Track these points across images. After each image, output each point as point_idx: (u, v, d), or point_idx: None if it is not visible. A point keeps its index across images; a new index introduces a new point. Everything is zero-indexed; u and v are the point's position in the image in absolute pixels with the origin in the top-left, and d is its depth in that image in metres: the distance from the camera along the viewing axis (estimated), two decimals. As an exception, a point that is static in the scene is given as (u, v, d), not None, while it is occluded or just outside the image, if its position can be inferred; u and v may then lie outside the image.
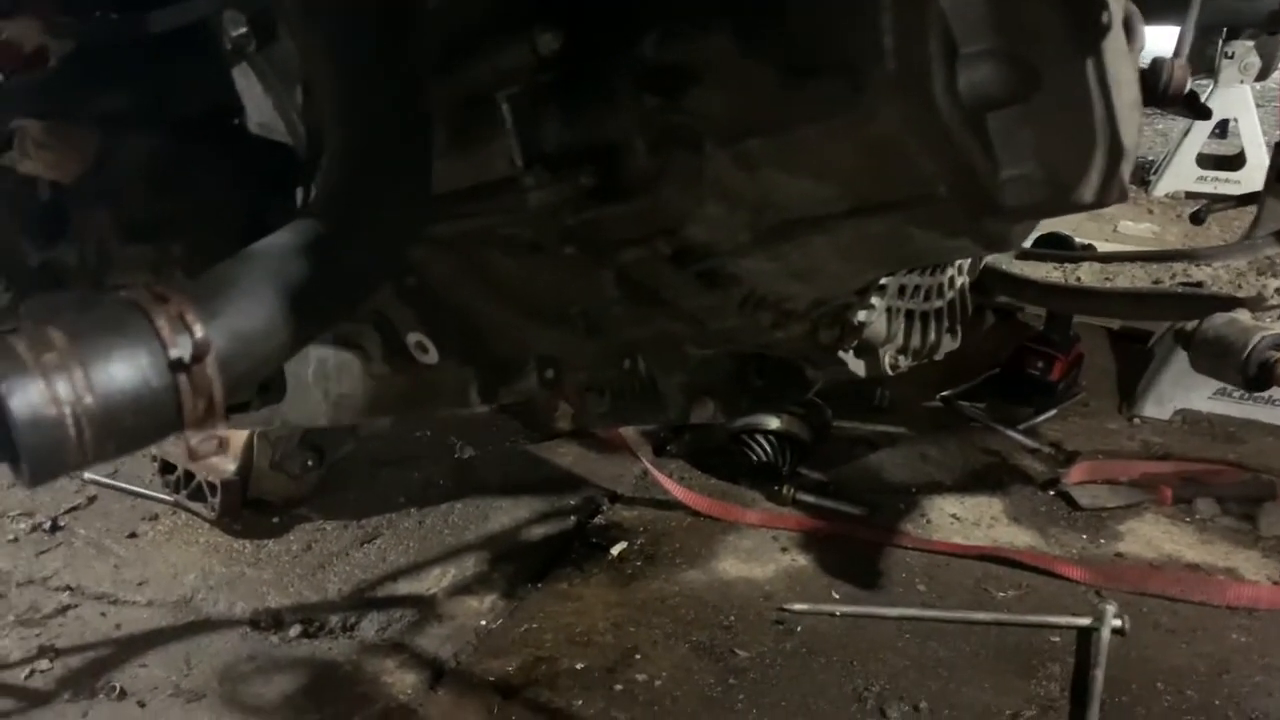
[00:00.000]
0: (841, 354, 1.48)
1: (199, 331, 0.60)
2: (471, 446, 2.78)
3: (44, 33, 1.10)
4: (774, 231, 1.11)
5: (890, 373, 1.55)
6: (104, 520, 2.46)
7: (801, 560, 2.27)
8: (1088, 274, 1.91)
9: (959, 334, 1.70)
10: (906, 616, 2.06)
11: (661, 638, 2.00)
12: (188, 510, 2.44)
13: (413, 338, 1.30)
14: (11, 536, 2.39)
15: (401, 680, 1.90)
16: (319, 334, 0.75)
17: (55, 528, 2.42)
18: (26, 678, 1.91)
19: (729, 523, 2.42)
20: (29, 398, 0.55)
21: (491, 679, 1.89)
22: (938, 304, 1.56)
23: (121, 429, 0.58)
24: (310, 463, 2.44)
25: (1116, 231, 5.30)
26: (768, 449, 2.54)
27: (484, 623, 2.05)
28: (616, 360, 1.46)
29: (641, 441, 2.76)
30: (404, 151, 0.79)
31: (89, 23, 1.03)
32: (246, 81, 1.14)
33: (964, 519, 2.45)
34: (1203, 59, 6.54)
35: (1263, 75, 6.09)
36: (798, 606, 2.08)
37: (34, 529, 2.42)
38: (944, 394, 3.12)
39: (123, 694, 1.86)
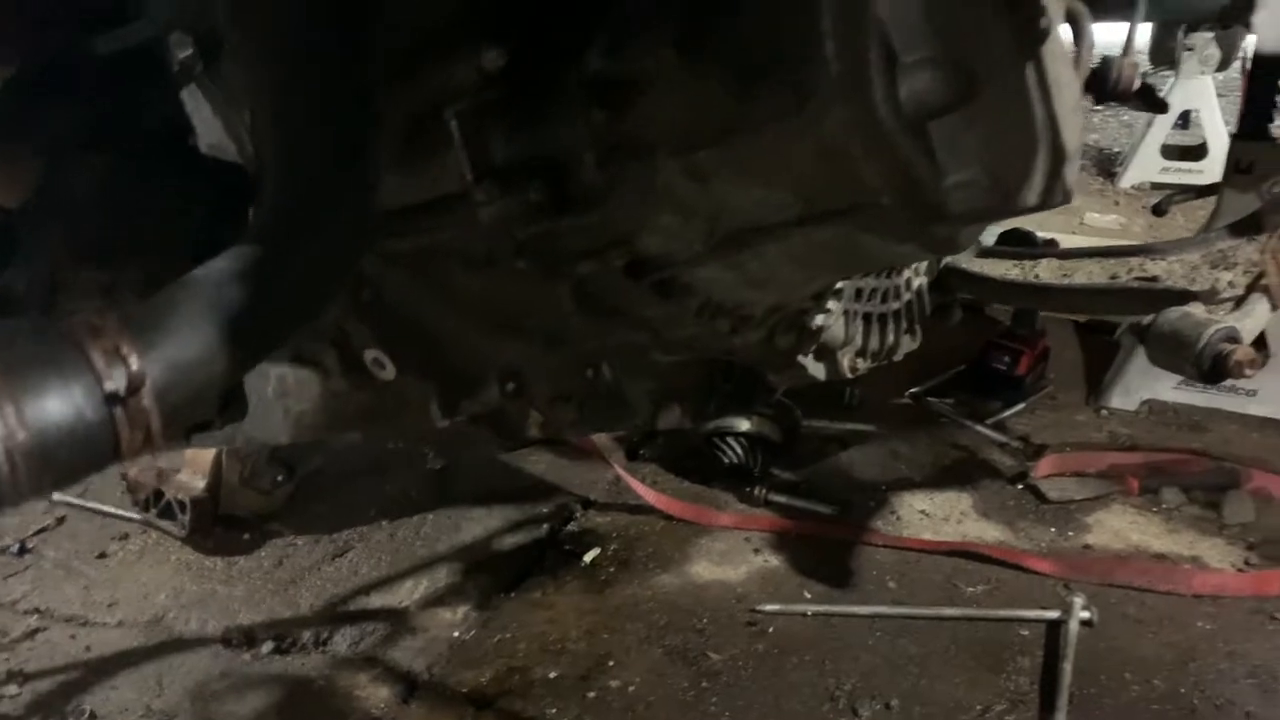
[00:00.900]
0: (800, 358, 1.49)
1: (134, 363, 0.60)
2: (443, 456, 2.78)
3: (-13, 57, 1.09)
4: (727, 240, 1.12)
5: (850, 375, 1.56)
6: (73, 541, 2.44)
7: (774, 561, 2.29)
8: (1047, 270, 1.93)
9: (918, 334, 1.72)
10: (878, 614, 2.07)
11: (635, 643, 2.01)
12: (158, 529, 2.42)
13: (370, 354, 1.30)
14: (-21, 561, 2.38)
15: (375, 695, 1.90)
16: (259, 360, 0.75)
17: (23, 550, 2.41)
18: (-5, 703, 1.90)
19: (702, 526, 2.43)
20: (-40, 435, 0.55)
21: (465, 691, 1.89)
22: (895, 306, 1.58)
23: (56, 463, 0.58)
24: (280, 477, 2.43)
25: (1083, 224, 5.35)
26: (739, 451, 2.55)
27: (457, 634, 2.05)
28: (579, 370, 1.46)
29: (614, 447, 2.77)
30: (342, 174, 0.79)
31: (32, 46, 1.02)
32: (195, 103, 1.14)
33: (934, 515, 2.47)
34: (1164, 51, 6.61)
35: (1223, 66, 6.16)
36: (770, 607, 2.09)
37: (1, 552, 2.40)
38: (913, 390, 3.14)
39: (93, 717, 1.85)
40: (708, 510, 2.47)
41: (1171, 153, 6.04)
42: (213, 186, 1.20)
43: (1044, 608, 2.07)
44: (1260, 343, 2.33)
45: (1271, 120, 2.83)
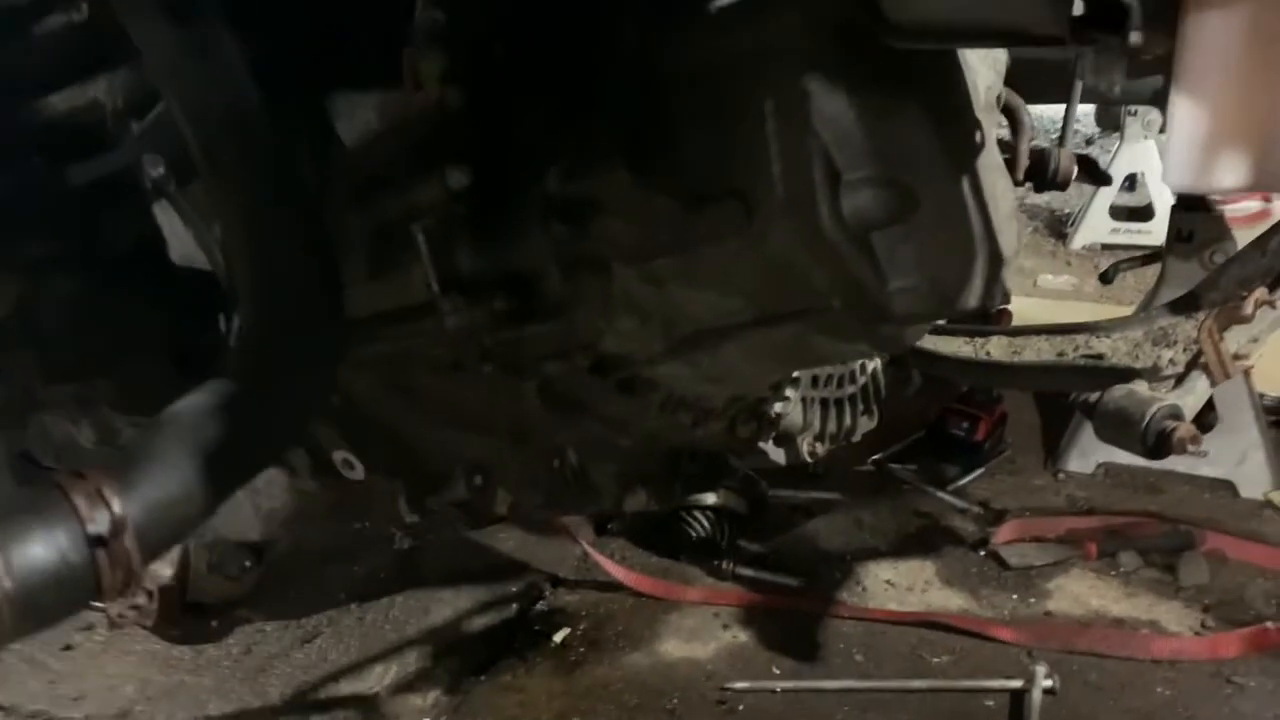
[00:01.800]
0: (761, 445, 1.53)
1: (116, 507, 0.63)
2: (411, 537, 2.78)
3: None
4: (686, 341, 1.16)
5: (809, 459, 1.61)
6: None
7: (742, 636, 2.31)
8: (997, 347, 1.99)
9: (875, 414, 1.77)
10: (845, 688, 2.10)
11: (606, 725, 2.01)
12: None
13: (339, 455, 1.33)
14: (-60, 657, 2.34)
15: (346, 785, 1.89)
16: (239, 488, 0.78)
17: (-15, 644, 2.37)
18: (-43, 807, 1.87)
19: (671, 601, 2.45)
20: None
21: (437, 779, 1.89)
22: (850, 390, 1.63)
23: (41, 607, 0.60)
24: (248, 563, 2.42)
25: (1036, 285, 5.47)
26: (706, 525, 2.58)
27: (427, 720, 2.05)
28: (545, 460, 1.49)
29: (582, 522, 2.78)
30: (313, 311, 0.83)
31: (4, 176, 1.06)
32: (167, 217, 1.18)
33: (898, 584, 2.50)
34: (1109, 116, 6.82)
35: (1165, 129, 6.35)
36: (739, 685, 2.11)
37: (-37, 647, 2.37)
38: (876, 457, 3.19)
39: (59, 818, 1.82)
40: (676, 586, 2.49)
41: (1120, 214, 6.21)
42: (185, 294, 1.23)
43: (1007, 677, 2.10)
44: (1209, 406, 2.41)
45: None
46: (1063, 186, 1.60)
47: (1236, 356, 1.71)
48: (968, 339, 2.07)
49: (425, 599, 2.49)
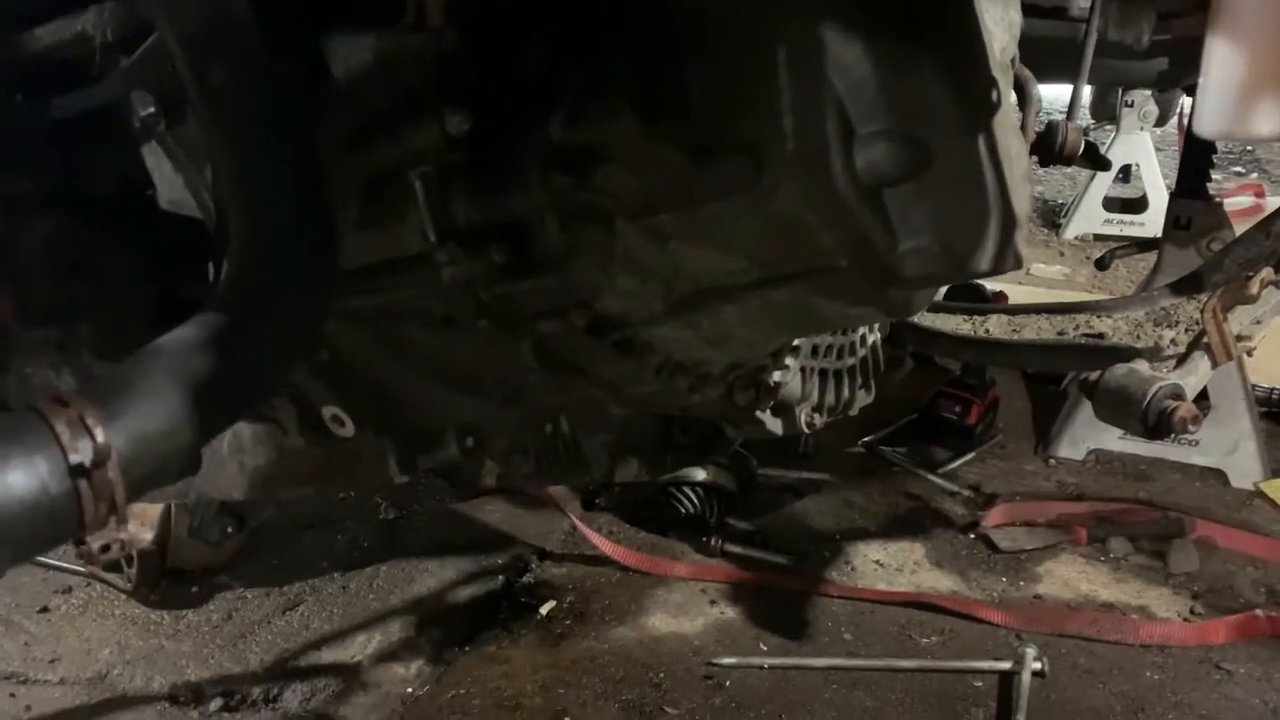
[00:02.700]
0: (759, 414, 1.51)
1: (100, 435, 0.60)
2: (397, 507, 2.75)
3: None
4: (685, 301, 1.13)
5: (806, 430, 1.58)
6: (13, 595, 2.38)
7: (730, 613, 2.29)
8: (996, 326, 1.97)
9: (873, 388, 1.74)
10: (833, 666, 2.08)
11: (591, 698, 1.99)
12: (103, 582, 2.36)
13: (328, 411, 1.29)
14: (-86, 616, 2.30)
15: (326, 753, 1.87)
16: (226, 427, 0.75)
17: (-39, 605, 2.34)
18: (-71, 767, 1.84)
19: (658, 577, 2.43)
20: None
21: (418, 748, 1.86)
22: (850, 362, 1.60)
23: (19, 537, 0.57)
24: (230, 529, 2.38)
25: (1030, 274, 5.46)
26: (695, 501, 2.56)
27: (410, 690, 2.02)
28: (538, 425, 1.46)
29: (570, 496, 2.76)
30: (306, 242, 0.80)
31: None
32: (156, 159, 1.14)
33: (887, 565, 2.49)
34: (1105, 107, 6.82)
35: (1161, 121, 6.37)
36: (726, 661, 2.09)
37: (-62, 607, 2.33)
38: (866, 439, 3.17)
39: (32, 780, 1.80)
40: (664, 561, 2.47)
41: (1113, 205, 6.21)
42: (172, 241, 1.19)
43: (997, 659, 2.09)
44: (1202, 395, 2.40)
45: (1208, 179, 2.93)
46: (1069, 161, 1.57)
47: (1239, 338, 1.70)
48: (967, 317, 2.05)
49: (410, 569, 2.46)
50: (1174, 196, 2.95)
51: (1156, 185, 6.02)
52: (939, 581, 2.42)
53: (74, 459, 0.59)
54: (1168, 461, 2.99)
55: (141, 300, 1.18)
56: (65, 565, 2.43)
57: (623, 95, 0.99)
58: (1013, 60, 1.16)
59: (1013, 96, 1.25)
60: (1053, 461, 3.07)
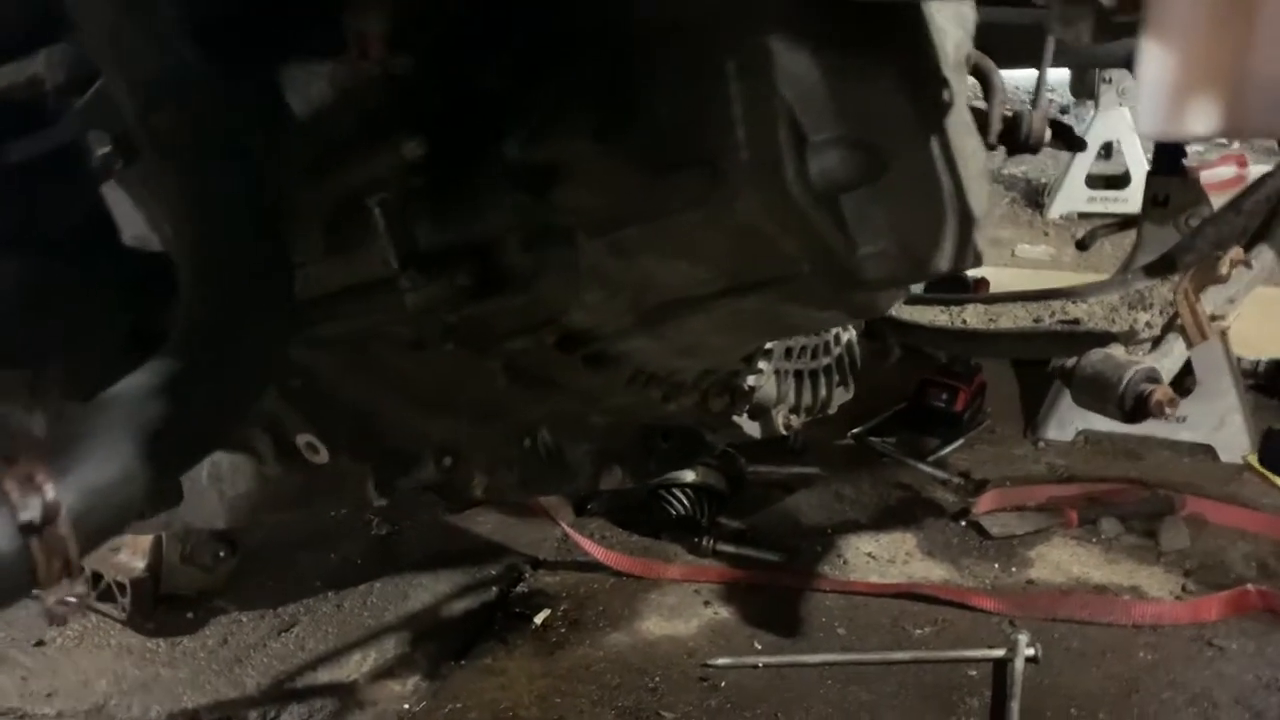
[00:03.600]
0: (735, 418, 1.51)
1: (49, 492, 0.60)
2: (389, 522, 2.75)
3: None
4: (654, 313, 1.14)
5: (785, 432, 1.59)
6: (7, 629, 2.37)
7: (724, 613, 2.29)
8: (974, 315, 1.98)
9: (852, 385, 1.75)
10: (828, 662, 2.09)
11: (588, 706, 2.00)
12: (97, 612, 2.37)
13: (302, 439, 1.29)
14: (-91, 655, 2.30)
15: (325, 774, 1.87)
16: (183, 471, 0.75)
17: (-44, 641, 2.33)
18: (-72, 807, 1.84)
19: (651, 580, 2.43)
20: None
21: (417, 764, 1.87)
22: (825, 361, 1.61)
23: (-29, 597, 0.57)
24: (222, 553, 2.40)
25: (1014, 256, 5.48)
26: (685, 503, 2.56)
27: (407, 706, 2.02)
28: (516, 439, 1.47)
29: (562, 503, 2.76)
30: (257, 282, 0.80)
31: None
32: (116, 197, 1.14)
33: (879, 557, 2.49)
34: (1083, 85, 6.82)
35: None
36: (721, 661, 2.09)
37: (-67, 645, 2.33)
38: (855, 431, 3.18)
39: (32, 816, 1.80)
40: (656, 564, 2.47)
41: (1096, 182, 6.22)
42: (139, 276, 1.19)
43: (990, 646, 2.10)
44: (1187, 370, 2.41)
45: (1184, 155, 2.93)
46: (1035, 150, 1.57)
47: (1213, 317, 1.70)
48: (944, 308, 2.06)
49: (403, 584, 2.46)
50: (1151, 174, 2.95)
51: (1138, 161, 6.02)
52: (931, 571, 2.43)
53: (23, 517, 0.59)
54: (1156, 439, 2.99)
55: (111, 337, 1.18)
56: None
57: (579, 113, 0.99)
58: (968, 56, 1.16)
59: (969, 93, 1.25)
60: (1042, 444, 3.07)
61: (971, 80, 1.24)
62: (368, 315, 1.14)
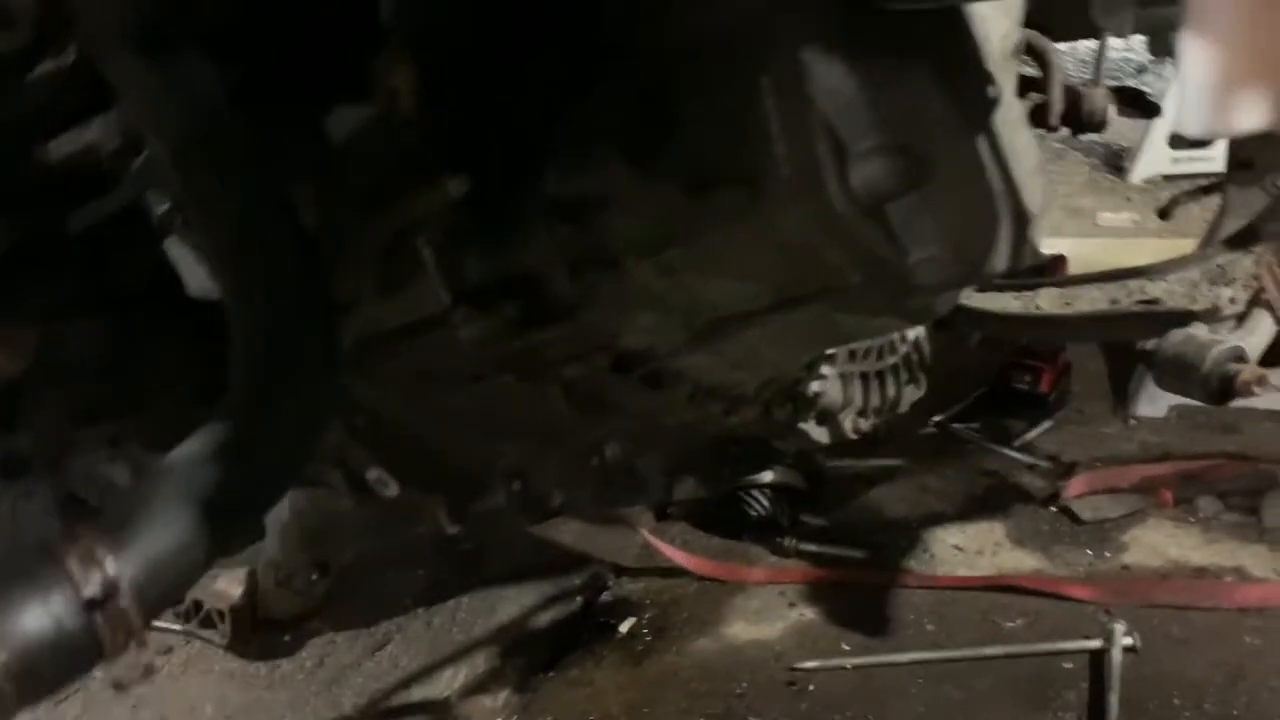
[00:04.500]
0: (802, 425, 1.50)
1: (110, 567, 0.62)
2: (474, 536, 2.79)
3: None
4: (707, 329, 1.13)
5: (854, 436, 1.56)
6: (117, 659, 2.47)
7: (809, 614, 2.27)
8: (1047, 300, 1.92)
9: (923, 382, 1.72)
10: (917, 660, 2.05)
11: (676, 714, 2.00)
12: (200, 639, 2.45)
13: (372, 474, 1.32)
14: (29, 688, 2.41)
15: (422, 791, 1.91)
16: (244, 533, 0.77)
17: (72, 673, 2.43)
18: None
19: (735, 583, 2.42)
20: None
21: (511, 779, 1.89)
22: (892, 360, 1.58)
23: (42, 676, 0.60)
24: (315, 577, 2.45)
25: (1097, 225, 5.31)
26: (765, 502, 2.55)
27: (499, 720, 2.06)
28: (583, 459, 1.47)
29: (641, 509, 2.77)
30: (307, 336, 0.81)
31: (11, 229, 1.06)
32: (179, 252, 1.17)
33: (967, 549, 2.44)
34: (1162, 43, 6.55)
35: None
36: (809, 664, 2.08)
37: (50, 677, 2.43)
38: (937, 418, 3.11)
39: (148, 841, 1.87)
40: (739, 567, 2.46)
41: (1180, 143, 5.96)
42: (206, 326, 1.22)
43: (1086, 637, 2.04)
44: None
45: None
46: (1099, 128, 1.53)
47: (1301, 289, 1.63)
48: (1016, 294, 2.00)
49: (490, 598, 2.49)
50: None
51: (1223, 116, 5.78)
52: (1022, 561, 2.37)
53: (86, 593, 0.61)
54: (1255, 410, 2.87)
55: (181, 386, 1.22)
56: (164, 625, 2.52)
57: (611, 139, 0.99)
58: (1018, 43, 1.13)
59: (1012, 85, 1.22)
60: (1133, 422, 2.97)
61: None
62: (425, 351, 1.16)
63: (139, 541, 0.65)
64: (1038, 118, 1.45)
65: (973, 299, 2.02)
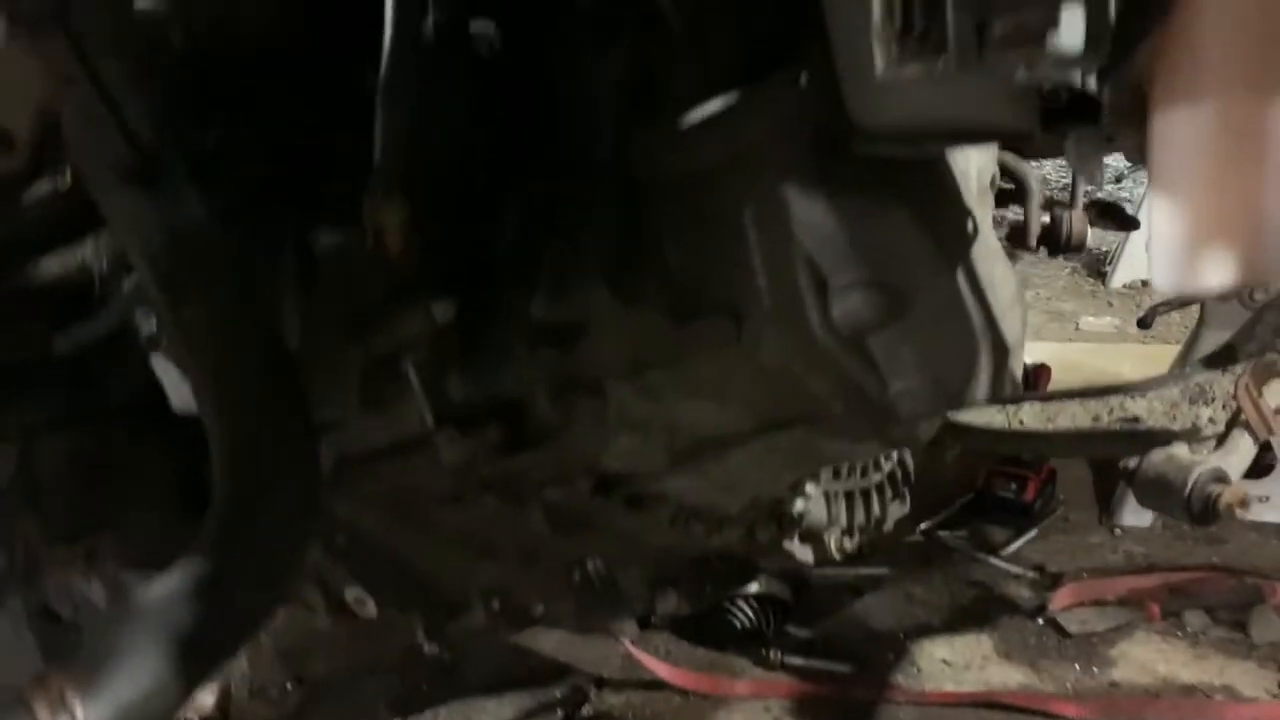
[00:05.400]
0: (786, 545, 1.49)
1: (79, 713, 0.61)
2: (453, 645, 2.74)
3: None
4: (689, 452, 1.14)
5: (838, 556, 1.55)
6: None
7: (795, 729, 2.23)
8: (1030, 414, 1.93)
9: (907, 498, 1.72)
10: (905, 781, 2.01)
11: (658, 836, 1.94)
12: (168, 750, 2.38)
13: (350, 593, 1.31)
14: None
15: None
16: (217, 671, 0.75)
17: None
18: None
19: (720, 696, 2.37)
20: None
21: None
22: (876, 477, 1.58)
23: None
24: (289, 686, 2.41)
25: (1079, 330, 5.37)
26: (750, 614, 2.51)
27: (474, 842, 1.99)
28: (563, 577, 1.46)
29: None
30: (283, 473, 0.81)
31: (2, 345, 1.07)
32: (164, 368, 1.18)
33: (954, 663, 2.41)
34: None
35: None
36: (793, 784, 2.03)
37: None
38: (923, 526, 3.10)
39: None
40: (723, 680, 2.41)
41: (1158, 250, 6.08)
42: (188, 441, 1.22)
43: (1075, 759, 2.00)
44: (1266, 448, 2.32)
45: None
46: (1078, 250, 1.56)
47: (1278, 410, 1.64)
48: (1000, 408, 2.01)
49: (467, 709, 2.43)
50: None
51: (1199, 225, 5.90)
52: (1009, 675, 2.34)
53: (54, 741, 0.60)
54: (1240, 521, 2.86)
55: (161, 503, 1.21)
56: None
57: (597, 268, 1.01)
58: (994, 177, 1.16)
59: (989, 217, 1.24)
60: (1118, 531, 2.97)
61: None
62: (407, 471, 1.16)
63: (110, 688, 0.64)
64: (1016, 239, 1.48)
65: (956, 413, 2.04)
